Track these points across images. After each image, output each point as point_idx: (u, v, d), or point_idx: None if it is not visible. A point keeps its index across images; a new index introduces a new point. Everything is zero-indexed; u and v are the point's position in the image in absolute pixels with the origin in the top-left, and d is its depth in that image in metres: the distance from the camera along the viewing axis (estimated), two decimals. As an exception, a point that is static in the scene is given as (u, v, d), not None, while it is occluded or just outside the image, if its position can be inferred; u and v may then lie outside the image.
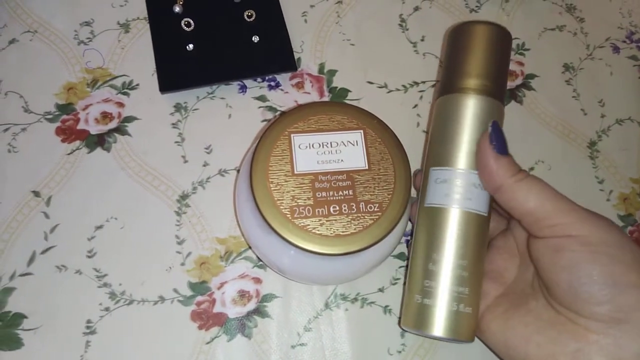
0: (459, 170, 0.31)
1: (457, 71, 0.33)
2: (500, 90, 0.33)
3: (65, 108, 0.39)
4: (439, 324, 0.30)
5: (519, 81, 0.44)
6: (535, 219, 0.28)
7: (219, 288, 0.36)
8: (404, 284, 0.36)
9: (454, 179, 0.31)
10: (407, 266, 0.36)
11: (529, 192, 0.28)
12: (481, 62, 0.32)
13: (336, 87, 0.42)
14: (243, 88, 0.41)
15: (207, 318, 0.35)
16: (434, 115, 0.34)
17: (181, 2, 0.42)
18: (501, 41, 0.34)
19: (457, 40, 0.34)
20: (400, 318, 0.35)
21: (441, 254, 0.31)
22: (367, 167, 0.30)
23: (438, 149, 0.32)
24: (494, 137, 0.30)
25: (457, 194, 0.31)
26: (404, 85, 0.43)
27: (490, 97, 0.32)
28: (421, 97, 0.43)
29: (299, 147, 0.30)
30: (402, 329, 0.33)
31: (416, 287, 0.31)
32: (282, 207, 0.29)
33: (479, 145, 0.30)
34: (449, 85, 0.33)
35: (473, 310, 0.31)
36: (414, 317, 0.31)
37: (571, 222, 0.27)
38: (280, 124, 0.31)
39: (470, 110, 0.32)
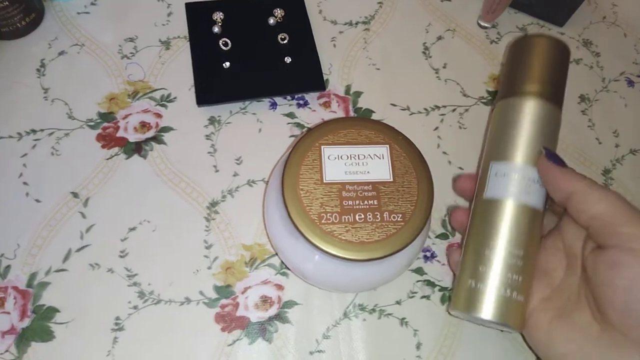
0: (518, 165, 0.33)
1: (518, 76, 0.35)
2: (558, 95, 0.35)
3: (107, 116, 0.42)
4: (489, 307, 0.31)
5: (536, 110, 0.46)
6: (603, 224, 0.28)
7: (242, 292, 0.37)
8: (453, 275, 0.37)
9: (512, 173, 0.33)
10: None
11: (601, 196, 0.29)
12: (542, 68, 0.35)
13: (361, 108, 0.44)
14: (274, 105, 0.44)
15: (230, 321, 0.36)
16: (495, 117, 0.36)
17: (220, 23, 0.45)
18: (561, 53, 0.36)
19: (519, 49, 0.37)
20: (449, 304, 0.35)
21: (497, 242, 0.32)
22: (392, 180, 0.32)
23: (498, 145, 0.34)
24: (550, 155, 0.32)
25: (515, 187, 0.32)
26: (425, 109, 0.45)
27: (548, 102, 0.34)
28: (442, 120, 0.45)
29: (328, 157, 0.32)
30: (450, 314, 0.33)
31: (470, 272, 0.32)
32: (310, 212, 0.30)
33: (540, 167, 0.32)
34: (510, 89, 0.35)
35: (525, 300, 0.31)
36: (465, 301, 0.32)
37: (638, 233, 0.26)
38: (311, 136, 0.33)
39: (529, 111, 0.34)
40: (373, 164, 0.32)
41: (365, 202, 0.31)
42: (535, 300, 0.32)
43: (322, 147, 0.32)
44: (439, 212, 0.41)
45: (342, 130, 0.33)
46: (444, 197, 0.41)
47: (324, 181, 0.31)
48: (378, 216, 0.31)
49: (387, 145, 0.33)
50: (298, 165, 0.32)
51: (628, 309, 0.26)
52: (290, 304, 0.37)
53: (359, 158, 0.32)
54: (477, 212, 0.34)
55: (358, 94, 0.45)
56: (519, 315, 0.31)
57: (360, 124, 0.34)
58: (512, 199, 0.32)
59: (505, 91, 0.36)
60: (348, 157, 0.32)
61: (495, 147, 0.35)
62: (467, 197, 0.40)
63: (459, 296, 0.33)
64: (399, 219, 0.31)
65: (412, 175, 0.32)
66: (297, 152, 0.32)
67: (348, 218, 0.30)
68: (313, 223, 0.30)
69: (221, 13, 0.45)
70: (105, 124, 0.41)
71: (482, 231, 0.33)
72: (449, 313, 0.36)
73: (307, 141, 0.32)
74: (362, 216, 0.31)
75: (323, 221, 0.30)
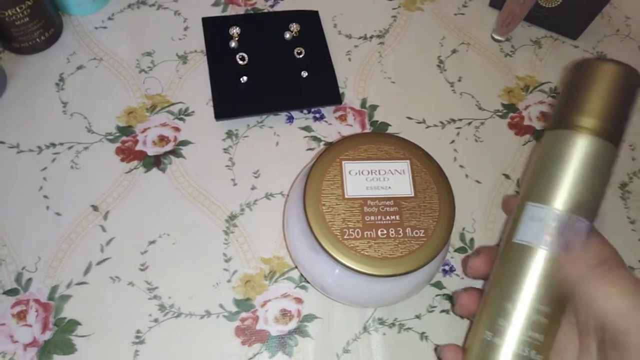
0: (557, 211, 0.29)
1: (574, 107, 0.30)
2: (618, 135, 0.30)
3: (126, 130, 0.42)
4: None
5: (551, 122, 0.46)
6: (614, 332, 0.25)
7: (262, 306, 0.37)
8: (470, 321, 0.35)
9: (549, 219, 0.29)
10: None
11: (612, 291, 0.25)
12: (605, 101, 0.29)
13: (377, 121, 0.45)
14: (290, 119, 0.44)
15: (250, 334, 0.36)
16: (543, 147, 0.32)
17: (237, 38, 0.45)
18: (631, 83, 0.30)
19: (580, 75, 0.31)
20: (464, 354, 0.32)
21: (521, 294, 0.29)
22: (413, 195, 0.32)
23: (539, 183, 0.30)
24: (561, 238, 0.28)
25: (551, 237, 0.28)
26: (441, 122, 0.45)
27: (606, 140, 0.29)
28: (458, 133, 0.45)
29: (350, 173, 0.32)
30: None
31: (488, 324, 0.30)
32: (333, 228, 0.30)
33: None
34: (563, 119, 0.31)
35: None
36: (480, 355, 0.29)
37: None
38: (332, 152, 0.33)
39: (582, 151, 0.29)
40: (394, 179, 0.32)
41: (387, 217, 0.31)
42: None
43: (343, 162, 0.33)
44: (457, 226, 0.41)
45: (362, 146, 0.33)
46: (462, 211, 0.41)
47: (346, 196, 0.32)
48: (400, 232, 0.31)
49: (408, 161, 0.33)
50: (320, 180, 0.32)
51: None
52: (310, 317, 0.37)
53: (379, 173, 0.33)
54: (504, 255, 0.31)
55: (374, 108, 0.45)
56: None
57: (380, 139, 0.34)
58: (545, 249, 0.28)
59: (556, 120, 0.31)
60: (369, 173, 0.33)
61: (535, 185, 0.30)
62: (481, 278, 0.34)
63: (473, 349, 0.30)
64: (421, 235, 0.31)
65: (434, 191, 0.32)
66: (319, 168, 0.32)
67: (370, 234, 0.31)
68: (336, 239, 0.30)
69: (238, 28, 0.45)
70: (124, 138, 0.42)
71: (505, 279, 0.30)
72: None
73: (328, 157, 0.33)
74: (385, 232, 0.31)
75: (345, 237, 0.30)
